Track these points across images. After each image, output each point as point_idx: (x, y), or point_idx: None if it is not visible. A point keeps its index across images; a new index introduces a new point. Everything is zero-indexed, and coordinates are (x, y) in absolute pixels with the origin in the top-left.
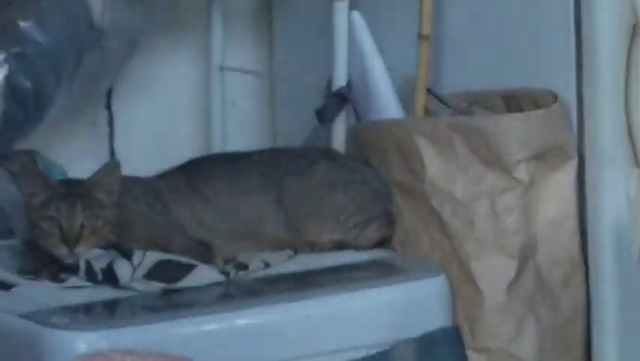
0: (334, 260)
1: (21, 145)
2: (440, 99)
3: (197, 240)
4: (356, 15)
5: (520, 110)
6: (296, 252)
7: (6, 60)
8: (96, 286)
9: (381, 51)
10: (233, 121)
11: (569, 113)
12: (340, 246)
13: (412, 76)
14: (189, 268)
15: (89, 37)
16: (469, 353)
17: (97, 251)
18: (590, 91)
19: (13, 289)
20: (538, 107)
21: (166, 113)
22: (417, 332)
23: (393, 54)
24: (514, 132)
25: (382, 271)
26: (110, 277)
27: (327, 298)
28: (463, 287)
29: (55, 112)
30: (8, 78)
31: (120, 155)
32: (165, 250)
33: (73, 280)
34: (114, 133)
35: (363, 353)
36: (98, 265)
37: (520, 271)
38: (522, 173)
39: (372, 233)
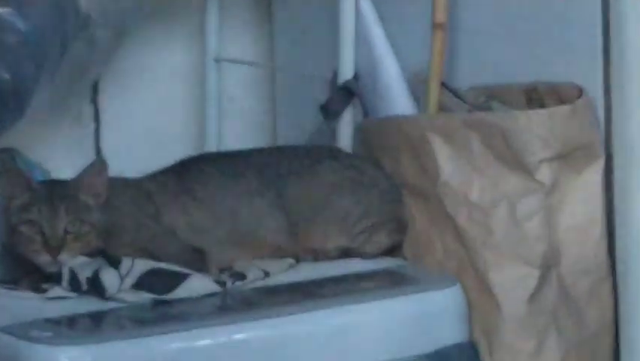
0: (339, 269)
1: None
2: (455, 94)
3: (191, 246)
4: (364, 2)
5: (543, 105)
6: (298, 260)
7: None
8: (81, 297)
9: (392, 41)
10: (230, 117)
11: (595, 109)
12: (346, 253)
13: (425, 68)
14: (182, 277)
15: (74, 24)
16: None
17: (82, 259)
18: (618, 84)
19: None
20: (561, 102)
21: (157, 108)
22: (430, 348)
23: (405, 44)
24: (536, 130)
25: (392, 282)
26: (95, 287)
27: (332, 310)
28: (479, 299)
29: (37, 107)
30: None
31: (107, 153)
32: (156, 257)
33: (55, 290)
34: (100, 130)
35: None
36: (83, 274)
37: (542, 282)
38: (544, 174)
39: (381, 240)
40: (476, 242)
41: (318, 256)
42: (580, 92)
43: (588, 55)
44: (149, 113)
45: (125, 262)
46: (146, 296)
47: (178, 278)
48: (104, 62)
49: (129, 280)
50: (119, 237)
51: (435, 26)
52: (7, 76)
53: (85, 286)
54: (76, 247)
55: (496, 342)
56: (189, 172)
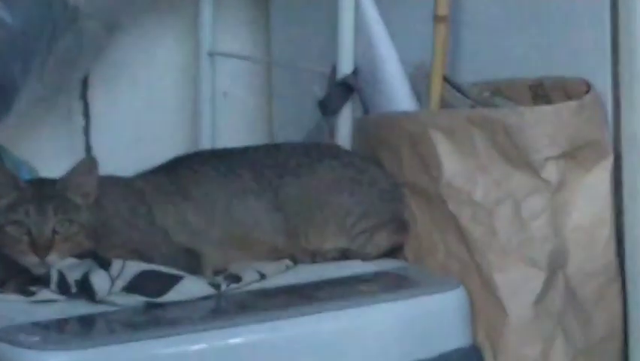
0: (338, 271)
1: None
2: (458, 89)
3: (184, 248)
4: None
5: (549, 101)
6: (295, 262)
7: None
8: (70, 300)
9: (392, 35)
10: (225, 113)
11: (603, 105)
12: (345, 255)
13: (427, 63)
14: (175, 279)
15: (63, 17)
16: None
17: (70, 260)
18: (628, 79)
19: None
20: (568, 97)
21: (148, 104)
22: (432, 352)
23: (406, 38)
24: (542, 126)
25: (392, 284)
26: (85, 290)
27: (330, 314)
28: (483, 302)
29: (24, 103)
30: None
31: (97, 151)
32: (148, 259)
33: (43, 293)
34: (90, 126)
35: None
36: (72, 276)
37: (548, 284)
38: (551, 173)
39: (382, 241)
40: (480, 243)
41: (316, 257)
42: (587, 87)
43: (596, 49)
44: (141, 110)
45: (116, 264)
46: (137, 299)
47: (171, 281)
48: (94, 56)
49: (120, 283)
50: (109, 238)
51: (437, 19)
52: None
53: (74, 289)
54: (65, 248)
55: (500, 347)
56: (182, 171)
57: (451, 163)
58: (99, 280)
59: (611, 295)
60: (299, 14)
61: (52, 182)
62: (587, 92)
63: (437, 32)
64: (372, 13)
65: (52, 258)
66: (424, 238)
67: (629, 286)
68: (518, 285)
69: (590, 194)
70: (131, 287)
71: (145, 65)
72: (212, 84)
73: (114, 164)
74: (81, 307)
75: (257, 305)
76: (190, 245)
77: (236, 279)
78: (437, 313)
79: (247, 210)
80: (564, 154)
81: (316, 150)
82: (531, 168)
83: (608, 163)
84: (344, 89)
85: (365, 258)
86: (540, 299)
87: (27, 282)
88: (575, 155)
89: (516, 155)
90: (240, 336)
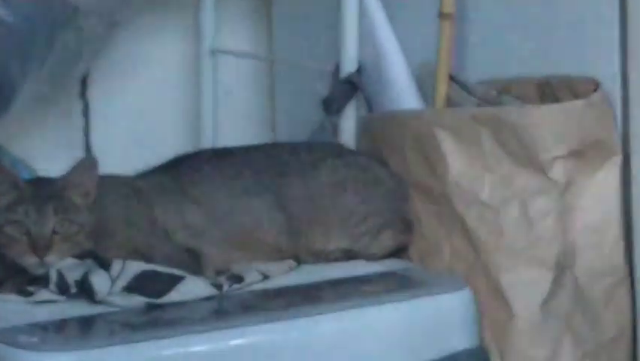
0: (342, 272)
1: None
2: (465, 87)
3: (185, 248)
4: None
5: (557, 100)
6: (298, 262)
7: None
8: (69, 301)
9: (397, 32)
10: (227, 112)
11: (611, 104)
12: (349, 255)
13: (432, 61)
14: (176, 280)
15: (62, 15)
16: None
17: (70, 261)
18: (636, 78)
19: None
20: (576, 96)
21: (149, 102)
22: (438, 354)
23: (411, 36)
24: (550, 125)
25: (397, 285)
26: (85, 290)
27: (334, 315)
28: (490, 303)
29: (23, 101)
30: None
31: (97, 150)
32: (148, 259)
33: (42, 294)
34: (90, 125)
35: None
36: (72, 277)
37: (556, 285)
38: (558, 172)
39: (386, 241)
40: (486, 243)
41: (319, 258)
42: (596, 85)
43: (604, 47)
44: (142, 108)
45: (116, 264)
46: (138, 300)
47: (172, 281)
48: (94, 54)
49: (120, 283)
50: (109, 238)
51: (442, 16)
52: None
53: (73, 289)
54: (65, 248)
55: (508, 348)
56: (184, 170)
57: (457, 162)
58: (99, 281)
59: (619, 295)
60: (302, 12)
61: (51, 181)
62: (595, 90)
63: (443, 30)
64: (376, 11)
65: (52, 258)
66: (429, 238)
67: (638, 287)
68: (525, 286)
69: (598, 193)
70: (132, 288)
71: (146, 63)
72: (214, 82)
73: (114, 163)
74: (81, 308)
75: (259, 306)
76: (191, 245)
77: (239, 279)
78: (443, 314)
79: (249, 210)
80: (572, 153)
81: (319, 149)
82: (538, 167)
83: (617, 163)
84: (348, 88)
85: (369, 258)
86: (548, 300)
87: (26, 282)
88: (583, 154)
89: (523, 154)
90: (242, 337)
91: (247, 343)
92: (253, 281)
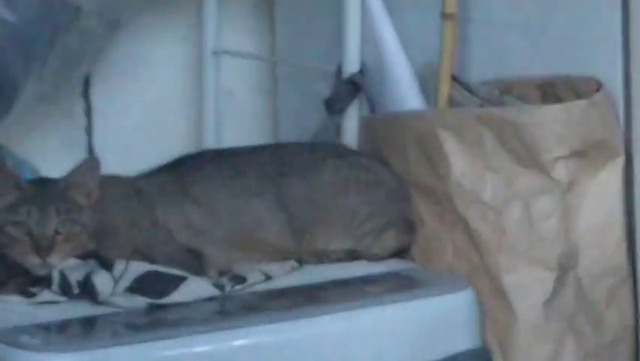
0: (345, 272)
1: None
2: (467, 88)
3: (188, 248)
4: None
5: (559, 100)
6: (301, 263)
7: None
8: (71, 301)
9: (400, 33)
10: (229, 112)
11: (614, 104)
12: (352, 256)
13: (435, 61)
14: (178, 280)
15: (64, 15)
16: None
17: (72, 261)
18: (639, 78)
19: None
20: (579, 96)
21: (152, 103)
22: (440, 354)
23: (413, 36)
24: (552, 126)
25: (400, 285)
26: (87, 291)
27: (336, 315)
28: (493, 303)
29: (25, 101)
30: None
31: (99, 150)
32: (151, 259)
33: (45, 294)
34: (92, 125)
35: None
36: (74, 277)
37: (558, 285)
38: (561, 172)
39: (389, 241)
40: (489, 243)
41: (322, 258)
42: (598, 85)
43: (607, 47)
44: (144, 109)
45: (119, 265)
46: (140, 300)
47: (174, 282)
48: (96, 54)
49: (123, 284)
50: (112, 238)
51: (445, 17)
52: None
53: (76, 290)
54: (67, 248)
55: (510, 349)
56: (186, 170)
57: (459, 163)
58: (101, 281)
59: (622, 295)
60: (304, 12)
61: (53, 182)
62: (598, 90)
63: (445, 30)
64: (379, 11)
65: (54, 259)
66: (431, 238)
67: None
68: (528, 286)
69: (600, 194)
70: (134, 288)
71: (148, 63)
72: (217, 83)
73: (116, 163)
74: (83, 309)
75: (262, 307)
76: (193, 245)
77: (241, 280)
78: (445, 314)
79: (251, 211)
80: (574, 153)
81: (322, 150)
82: (541, 167)
83: (619, 163)
84: (350, 88)
85: (372, 259)
86: (550, 300)
87: (28, 283)
88: (586, 154)
89: (525, 154)
90: (245, 338)
91: (249, 343)
92: (255, 282)
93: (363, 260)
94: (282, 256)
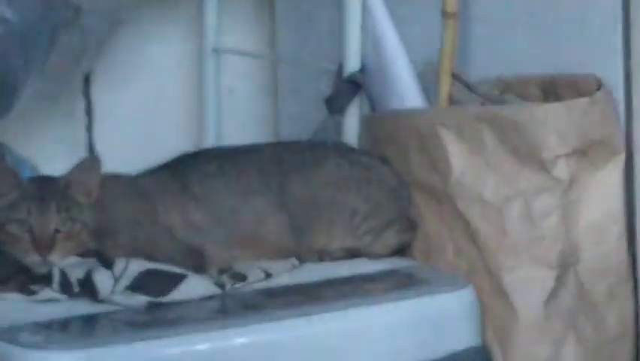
0: (345, 270)
1: None
2: (468, 86)
3: (188, 246)
4: None
5: (559, 98)
6: (301, 261)
7: None
8: (72, 299)
9: (400, 31)
10: (230, 111)
11: (615, 102)
12: (352, 254)
13: (436, 60)
14: (179, 278)
15: (65, 13)
16: None
17: (73, 259)
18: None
19: None
20: (579, 95)
21: (152, 101)
22: (440, 352)
23: (414, 35)
24: (553, 124)
25: (400, 283)
26: (87, 289)
27: (337, 313)
28: (493, 302)
29: (26, 100)
30: None
31: (100, 149)
32: (151, 257)
33: (45, 293)
34: (93, 124)
35: None
36: (75, 275)
37: (558, 284)
38: (561, 170)
39: (389, 239)
40: (489, 242)
41: (322, 256)
42: (599, 84)
43: (607, 45)
44: (144, 107)
45: (119, 263)
46: (141, 299)
47: (175, 280)
48: (97, 52)
49: (123, 282)
50: (112, 236)
51: (446, 15)
52: None
53: (76, 288)
54: (68, 246)
55: (510, 347)
56: (187, 169)
57: (460, 161)
58: (102, 279)
59: (622, 294)
60: (305, 10)
61: (54, 180)
62: (599, 89)
63: (446, 29)
64: (380, 10)
65: (54, 257)
66: (432, 236)
67: None
68: (528, 284)
69: (601, 192)
70: (135, 286)
71: (149, 61)
72: (217, 81)
73: (117, 161)
74: (84, 307)
75: (262, 305)
76: (194, 244)
77: (242, 278)
78: (446, 312)
79: (252, 209)
80: (575, 152)
81: (322, 148)
82: (541, 165)
83: (620, 161)
84: (351, 87)
85: (372, 257)
86: (551, 299)
87: (28, 281)
88: (586, 152)
89: (526, 152)
90: (245, 336)
91: (250, 342)
92: (256, 280)
93: (364, 258)
94: (282, 254)
